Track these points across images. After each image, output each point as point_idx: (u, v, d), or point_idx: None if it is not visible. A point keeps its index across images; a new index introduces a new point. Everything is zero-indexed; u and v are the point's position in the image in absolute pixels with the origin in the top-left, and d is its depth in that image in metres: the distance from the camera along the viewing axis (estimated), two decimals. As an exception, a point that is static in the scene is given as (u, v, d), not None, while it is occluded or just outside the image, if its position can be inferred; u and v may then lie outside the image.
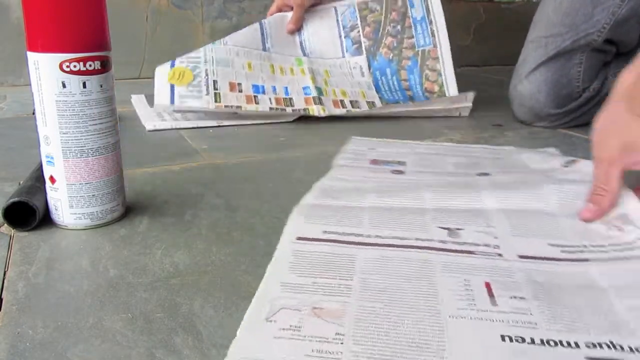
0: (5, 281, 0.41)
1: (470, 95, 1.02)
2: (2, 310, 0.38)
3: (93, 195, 0.50)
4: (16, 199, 0.49)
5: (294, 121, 0.95)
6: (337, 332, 0.34)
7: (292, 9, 1.05)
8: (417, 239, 0.46)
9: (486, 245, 0.46)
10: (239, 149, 0.78)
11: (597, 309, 0.37)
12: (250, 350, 0.32)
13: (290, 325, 0.34)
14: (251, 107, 0.92)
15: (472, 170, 0.66)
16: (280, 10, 1.07)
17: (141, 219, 0.53)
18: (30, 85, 0.48)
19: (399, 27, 1.01)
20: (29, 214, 0.49)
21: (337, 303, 0.37)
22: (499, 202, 0.53)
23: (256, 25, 1.04)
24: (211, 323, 0.36)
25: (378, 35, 0.99)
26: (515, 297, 0.38)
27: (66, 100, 0.47)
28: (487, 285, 0.39)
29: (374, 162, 0.70)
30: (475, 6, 1.78)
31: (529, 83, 0.94)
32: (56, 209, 0.50)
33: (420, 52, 1.01)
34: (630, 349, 0.32)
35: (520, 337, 0.33)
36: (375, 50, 1.01)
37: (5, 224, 0.50)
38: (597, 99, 0.94)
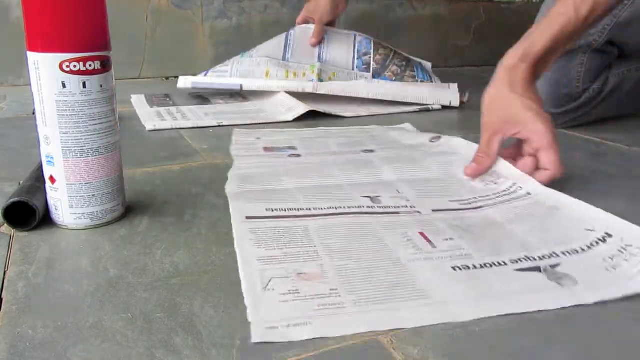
0: (5, 281, 0.41)
1: (454, 85, 1.15)
2: (2, 310, 0.38)
3: (93, 195, 0.50)
4: (16, 199, 0.49)
5: (293, 121, 0.95)
6: (330, 288, 0.40)
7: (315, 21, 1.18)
8: (349, 207, 0.54)
9: (404, 206, 0.55)
10: (239, 149, 0.78)
11: (505, 237, 0.49)
12: (269, 316, 0.36)
13: (289, 290, 0.39)
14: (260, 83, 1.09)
15: (355, 148, 0.77)
16: (306, 21, 1.19)
17: (141, 219, 0.53)
18: (30, 85, 0.48)
19: (403, 63, 1.17)
20: (29, 214, 0.49)
21: (315, 267, 0.43)
22: (396, 174, 0.65)
23: (283, 35, 1.17)
24: (211, 323, 0.36)
25: (385, 63, 1.16)
26: (447, 239, 0.48)
27: (66, 100, 0.47)
28: (422, 234, 0.49)
29: (267, 149, 0.77)
30: (475, 6, 1.78)
31: None
32: (56, 209, 0.50)
33: (419, 81, 1.16)
34: (540, 257, 0.45)
35: (465, 266, 0.43)
36: (381, 71, 1.15)
37: (5, 224, 0.50)
38: (598, 100, 0.93)
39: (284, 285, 0.40)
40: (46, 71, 0.46)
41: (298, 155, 0.73)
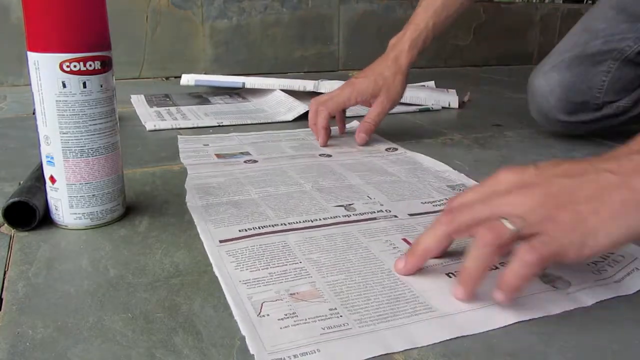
0: (5, 281, 0.41)
1: (452, 90, 1.16)
2: (2, 310, 0.38)
3: (93, 195, 0.50)
4: (16, 199, 0.49)
5: (293, 121, 0.95)
6: (329, 308, 0.38)
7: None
8: (324, 219, 0.52)
9: (380, 211, 0.54)
10: (239, 149, 0.78)
11: None
12: (272, 346, 0.34)
13: (285, 314, 0.37)
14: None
15: (312, 151, 0.76)
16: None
17: (141, 219, 0.53)
18: (30, 85, 0.48)
19: None
20: (29, 214, 0.49)
21: (307, 285, 0.41)
22: (361, 179, 0.64)
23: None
24: (211, 323, 0.36)
25: None
26: None
27: (66, 100, 0.47)
28: (405, 240, 0.48)
29: (219, 156, 0.73)
30: (475, 6, 1.78)
31: (544, 79, 0.82)
32: (56, 209, 0.50)
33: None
34: None
35: (459, 272, 0.40)
36: None
37: (5, 224, 0.50)
38: (623, 119, 0.81)
39: (279, 309, 0.37)
40: (46, 71, 0.46)
41: (254, 161, 0.71)
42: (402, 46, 0.80)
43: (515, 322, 0.37)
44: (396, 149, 0.78)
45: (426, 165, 0.70)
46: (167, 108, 1.03)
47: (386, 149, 0.78)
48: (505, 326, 0.36)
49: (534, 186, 0.37)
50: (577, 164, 0.38)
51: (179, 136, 0.83)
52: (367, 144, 0.80)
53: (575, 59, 0.80)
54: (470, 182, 0.64)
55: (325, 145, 0.79)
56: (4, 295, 0.39)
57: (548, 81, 0.81)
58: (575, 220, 0.35)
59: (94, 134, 0.49)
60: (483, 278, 0.38)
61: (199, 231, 0.50)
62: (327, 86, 1.10)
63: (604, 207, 0.35)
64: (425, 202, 0.57)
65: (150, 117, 0.95)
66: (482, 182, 0.41)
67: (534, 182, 0.38)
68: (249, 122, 0.94)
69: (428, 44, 0.81)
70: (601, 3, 0.84)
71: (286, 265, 0.43)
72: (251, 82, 1.12)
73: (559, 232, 0.35)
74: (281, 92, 1.08)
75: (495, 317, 0.37)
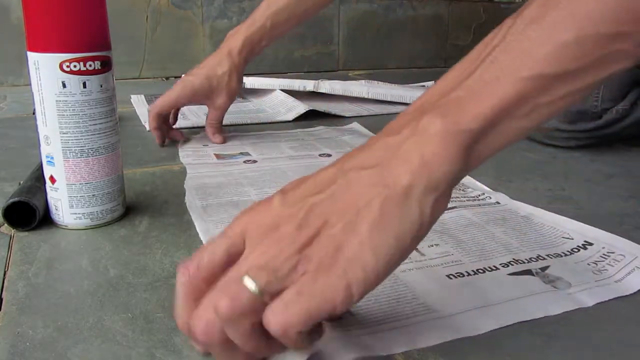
0: (5, 281, 0.41)
1: None
2: (2, 310, 0.38)
3: (93, 195, 0.50)
4: (16, 199, 0.49)
5: (293, 121, 0.95)
6: None
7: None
8: None
9: None
10: (239, 149, 0.78)
11: (487, 238, 0.48)
12: None
13: None
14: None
15: (312, 152, 0.75)
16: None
17: (141, 219, 0.53)
18: (30, 85, 0.48)
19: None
20: (29, 214, 0.49)
21: None
22: None
23: None
24: (211, 323, 0.36)
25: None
26: (432, 246, 0.46)
27: (66, 100, 0.47)
28: None
29: (219, 156, 0.73)
30: (475, 6, 1.78)
31: None
32: (56, 209, 0.50)
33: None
34: (527, 260, 0.44)
35: (459, 273, 0.42)
36: None
37: (5, 224, 0.50)
38: (626, 123, 0.79)
39: None
40: (46, 71, 0.46)
41: (254, 161, 0.70)
42: (235, 42, 0.76)
43: (516, 323, 0.37)
44: None
45: None
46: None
47: None
48: (506, 327, 0.36)
49: (280, 223, 0.28)
50: (324, 172, 0.30)
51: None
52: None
53: None
54: (470, 180, 0.64)
55: (162, 145, 0.77)
56: (4, 295, 0.39)
57: None
58: (331, 253, 0.26)
59: (94, 134, 0.49)
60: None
61: (198, 231, 0.50)
62: (327, 86, 1.10)
63: (361, 219, 0.27)
64: None
65: (150, 117, 0.94)
66: (218, 236, 0.30)
67: (279, 215, 0.29)
68: (248, 122, 0.94)
69: (265, 44, 0.78)
70: None
71: None
72: (251, 82, 1.12)
73: (310, 278, 0.26)
74: (281, 92, 1.08)
75: (495, 318, 0.37)
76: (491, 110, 0.27)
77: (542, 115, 0.28)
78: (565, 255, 0.45)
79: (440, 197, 0.28)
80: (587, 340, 0.35)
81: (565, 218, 0.52)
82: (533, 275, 0.42)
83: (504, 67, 0.28)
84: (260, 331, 0.27)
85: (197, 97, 0.77)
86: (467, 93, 0.28)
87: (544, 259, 0.44)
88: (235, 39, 0.76)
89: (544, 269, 0.43)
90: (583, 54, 0.27)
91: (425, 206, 0.27)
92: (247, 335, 0.27)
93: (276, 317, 0.26)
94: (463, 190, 0.60)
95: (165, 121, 0.79)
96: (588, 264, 0.44)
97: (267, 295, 0.26)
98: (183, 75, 0.80)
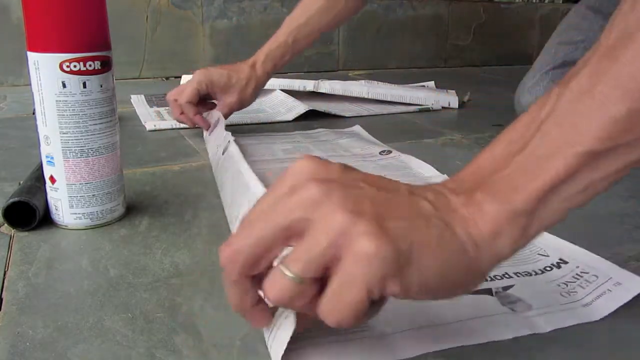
0: (5, 281, 0.41)
1: (452, 91, 1.15)
2: (2, 310, 0.38)
3: (93, 195, 0.50)
4: (16, 199, 0.49)
5: (293, 121, 0.95)
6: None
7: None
8: None
9: None
10: (239, 149, 0.78)
11: None
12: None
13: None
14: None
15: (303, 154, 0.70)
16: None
17: (141, 219, 0.53)
18: (30, 85, 0.48)
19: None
20: (29, 214, 0.49)
21: None
22: None
23: None
24: (211, 323, 0.36)
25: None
26: None
27: (66, 100, 0.47)
28: None
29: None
30: (475, 6, 1.78)
31: (530, 95, 0.82)
32: (56, 209, 0.50)
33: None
34: (492, 277, 0.42)
35: None
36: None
37: (5, 224, 0.50)
38: None
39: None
40: (46, 71, 0.46)
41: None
42: (258, 56, 0.81)
43: (457, 347, 0.34)
44: (390, 152, 0.76)
45: (416, 170, 0.69)
46: (167, 108, 1.03)
47: (380, 152, 0.76)
48: (446, 349, 0.34)
49: (335, 189, 0.27)
50: (385, 178, 0.30)
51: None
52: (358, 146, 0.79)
53: (558, 70, 0.79)
54: None
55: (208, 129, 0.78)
56: (4, 295, 0.39)
57: (535, 95, 0.80)
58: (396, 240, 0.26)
59: (94, 134, 0.49)
60: None
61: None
62: (327, 86, 1.10)
63: (417, 232, 0.27)
64: None
65: (150, 117, 0.95)
66: (278, 179, 0.30)
67: (333, 180, 0.28)
68: (248, 122, 0.94)
69: (288, 59, 0.82)
70: (571, 16, 0.83)
71: None
72: None
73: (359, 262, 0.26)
74: (281, 92, 1.08)
75: (434, 340, 0.34)
76: (543, 190, 0.27)
77: (598, 189, 0.28)
78: (536, 274, 0.43)
79: (496, 265, 0.29)
80: (587, 338, 0.35)
81: (545, 234, 0.49)
82: (492, 295, 0.39)
83: (555, 142, 0.27)
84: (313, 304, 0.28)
85: (214, 87, 0.78)
86: (520, 170, 0.28)
87: (510, 277, 0.42)
88: (259, 54, 0.81)
89: (506, 288, 0.40)
90: (635, 126, 0.26)
91: (480, 271, 0.28)
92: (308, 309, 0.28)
93: (329, 317, 0.27)
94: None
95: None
96: (558, 285, 0.41)
97: (309, 280, 0.27)
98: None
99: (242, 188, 0.50)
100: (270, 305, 0.30)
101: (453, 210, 0.28)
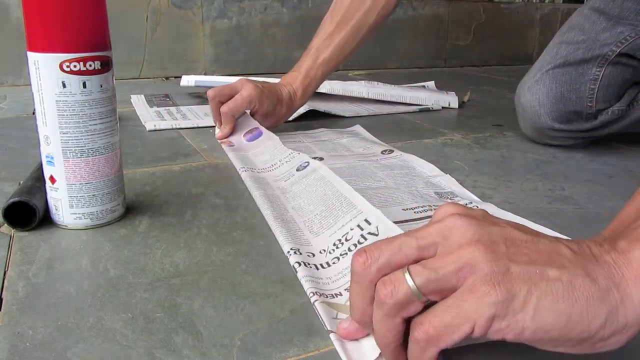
0: (5, 281, 0.41)
1: (452, 92, 1.16)
2: (2, 310, 0.38)
3: (93, 195, 0.50)
4: (16, 199, 0.49)
5: (292, 121, 0.95)
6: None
7: None
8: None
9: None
10: (239, 149, 0.78)
11: None
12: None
13: None
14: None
15: (304, 153, 0.71)
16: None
17: (141, 219, 0.53)
18: (30, 85, 0.48)
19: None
20: (29, 214, 0.49)
21: None
22: (350, 184, 0.57)
23: None
24: (211, 323, 0.36)
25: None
26: None
27: (66, 100, 0.47)
28: None
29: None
30: (475, 6, 1.78)
31: (530, 94, 0.81)
32: (56, 209, 0.50)
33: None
34: None
35: None
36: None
37: (5, 224, 0.50)
38: (623, 123, 0.80)
39: None
40: (46, 71, 0.46)
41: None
42: (295, 88, 0.85)
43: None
44: (392, 151, 0.76)
45: (419, 170, 0.68)
46: (167, 108, 1.03)
47: (382, 152, 0.76)
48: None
49: (475, 224, 0.29)
50: (526, 227, 0.30)
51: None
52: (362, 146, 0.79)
53: (559, 69, 0.78)
54: (461, 189, 0.62)
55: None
56: (4, 295, 0.39)
57: (535, 94, 0.80)
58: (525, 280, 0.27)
59: (94, 134, 0.49)
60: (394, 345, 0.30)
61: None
62: (327, 86, 1.10)
63: (542, 280, 0.27)
64: (405, 209, 0.54)
65: (150, 117, 0.95)
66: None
67: (477, 216, 0.29)
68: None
69: (315, 87, 0.88)
70: (575, 17, 0.84)
71: None
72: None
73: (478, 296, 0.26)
74: None
75: None
76: None
77: None
78: None
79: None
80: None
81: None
82: None
83: None
84: (402, 331, 0.29)
85: (259, 110, 0.81)
86: None
87: None
88: (297, 85, 0.85)
89: None
90: None
91: (624, 319, 0.27)
92: (388, 324, 0.29)
93: (422, 326, 0.27)
94: (451, 199, 0.59)
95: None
96: None
97: (423, 296, 0.28)
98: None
99: (346, 207, 0.52)
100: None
101: (595, 256, 0.28)
